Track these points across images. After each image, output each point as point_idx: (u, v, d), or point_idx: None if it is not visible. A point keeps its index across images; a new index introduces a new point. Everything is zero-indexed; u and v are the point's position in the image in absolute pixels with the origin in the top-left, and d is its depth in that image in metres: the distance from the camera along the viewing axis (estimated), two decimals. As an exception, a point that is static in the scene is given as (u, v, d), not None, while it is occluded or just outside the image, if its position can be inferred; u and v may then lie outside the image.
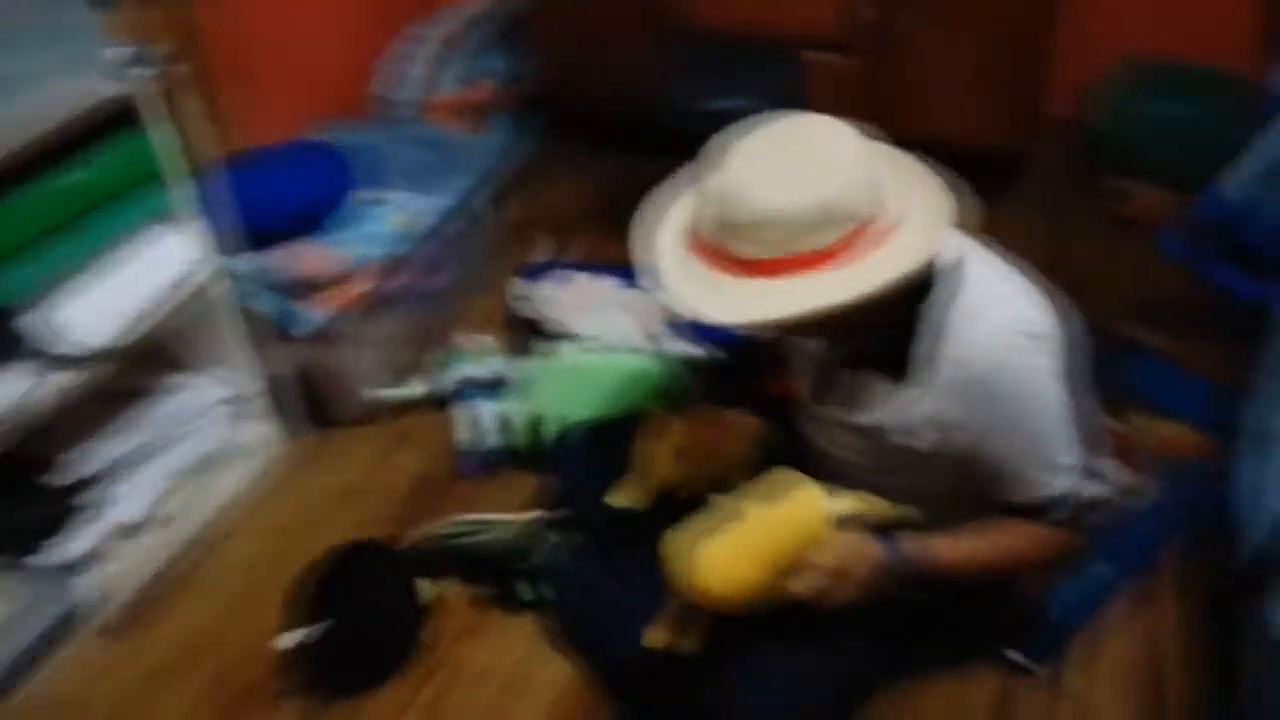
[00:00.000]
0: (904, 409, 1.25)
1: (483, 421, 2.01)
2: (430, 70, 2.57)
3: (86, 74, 1.53)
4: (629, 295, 2.07)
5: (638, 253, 1.26)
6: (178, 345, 1.95)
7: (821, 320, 1.10)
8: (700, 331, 2.01)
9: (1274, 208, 1.85)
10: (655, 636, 1.35)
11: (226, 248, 1.84)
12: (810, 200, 1.07)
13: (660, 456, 1.51)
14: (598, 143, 2.92)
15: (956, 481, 1.28)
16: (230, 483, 1.97)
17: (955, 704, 1.51)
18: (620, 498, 1.52)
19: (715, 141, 1.22)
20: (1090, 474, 1.23)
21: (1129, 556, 1.66)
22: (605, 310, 2.02)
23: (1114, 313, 2.18)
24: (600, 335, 1.95)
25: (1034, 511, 1.24)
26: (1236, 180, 1.82)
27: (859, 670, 1.39)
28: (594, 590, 1.60)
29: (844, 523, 1.24)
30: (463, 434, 1.99)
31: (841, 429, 1.38)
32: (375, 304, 2.02)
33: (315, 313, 1.88)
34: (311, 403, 2.08)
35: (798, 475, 1.25)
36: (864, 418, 1.32)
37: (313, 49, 2.42)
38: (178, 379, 1.97)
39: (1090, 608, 1.59)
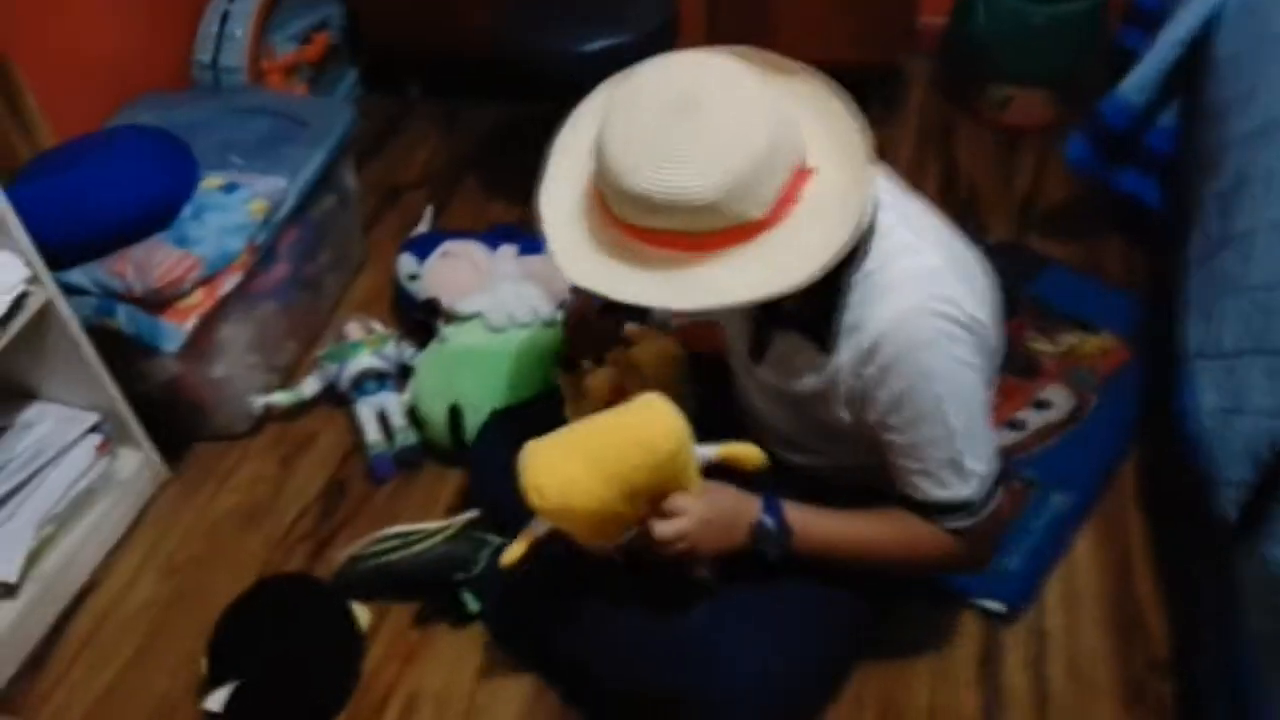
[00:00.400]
0: (821, 378, 1.18)
1: (391, 417, 1.83)
2: (254, 29, 2.29)
3: None
4: (530, 262, 1.91)
5: (540, 223, 1.13)
6: (27, 375, 1.70)
7: None
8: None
9: (1172, 108, 1.85)
10: (510, 554, 1.25)
11: (62, 262, 1.60)
12: (724, 171, 0.97)
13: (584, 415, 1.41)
14: (457, 92, 2.70)
15: (873, 455, 1.21)
16: (112, 521, 1.75)
17: (942, 659, 1.48)
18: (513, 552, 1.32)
19: (602, 90, 1.16)
20: (997, 484, 1.17)
21: (1083, 481, 1.66)
22: (506, 284, 1.85)
23: (1017, 227, 2.17)
24: (508, 313, 1.78)
25: (931, 512, 1.16)
26: (1137, 84, 1.80)
27: (835, 631, 1.34)
28: (528, 591, 1.48)
29: (704, 463, 1.18)
30: (370, 433, 1.82)
31: (766, 387, 1.31)
32: (246, 302, 1.80)
33: (180, 323, 1.64)
34: (192, 419, 1.86)
35: (658, 395, 1.16)
36: (788, 383, 1.25)
37: (120, 20, 2.12)
38: (34, 410, 1.72)
39: (1056, 541, 1.58)
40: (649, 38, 2.01)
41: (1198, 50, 1.72)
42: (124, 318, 1.63)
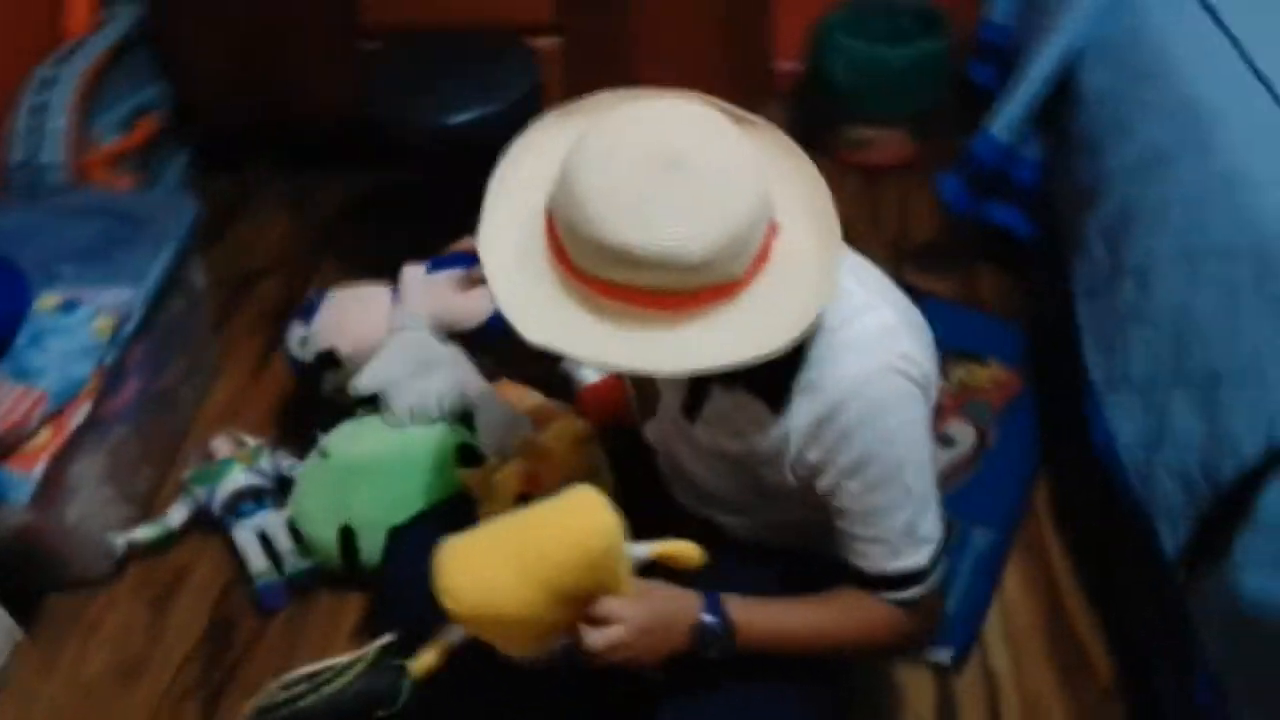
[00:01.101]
0: (769, 441, 1.11)
1: (275, 539, 1.66)
2: (75, 119, 2.08)
3: None
4: (436, 284, 1.78)
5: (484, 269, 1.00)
6: None
7: None
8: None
9: (1039, 144, 1.90)
10: (420, 663, 1.16)
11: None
12: (720, 228, 0.90)
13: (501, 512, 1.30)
14: (300, 166, 2.54)
15: (816, 519, 1.15)
16: (-39, 707, 1.51)
17: (903, 716, 1.44)
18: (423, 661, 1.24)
19: (543, 127, 1.06)
20: (943, 550, 1.13)
21: (1001, 515, 1.66)
22: (409, 357, 1.70)
23: (891, 264, 2.19)
24: (409, 405, 1.64)
25: (883, 585, 1.11)
26: (1006, 124, 1.84)
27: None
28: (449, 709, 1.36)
29: (637, 563, 1.09)
30: (254, 561, 1.64)
31: (702, 448, 1.22)
32: (96, 431, 1.60)
33: (28, 470, 1.44)
34: (43, 570, 1.64)
35: (587, 487, 1.07)
36: (728, 443, 1.17)
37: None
38: None
39: (986, 580, 1.58)
40: (515, 106, 1.93)
41: (1062, 86, 1.77)
42: (-42, 472, 1.41)
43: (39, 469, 1.45)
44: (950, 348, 1.96)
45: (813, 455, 1.07)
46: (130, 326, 1.63)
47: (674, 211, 0.89)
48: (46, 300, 1.57)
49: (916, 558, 1.09)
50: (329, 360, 1.72)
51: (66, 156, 2.05)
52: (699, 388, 1.18)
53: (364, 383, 1.69)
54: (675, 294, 0.93)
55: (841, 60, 2.31)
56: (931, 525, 1.10)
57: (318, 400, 1.80)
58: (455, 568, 1.04)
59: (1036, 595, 1.59)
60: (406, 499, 1.57)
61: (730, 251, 0.91)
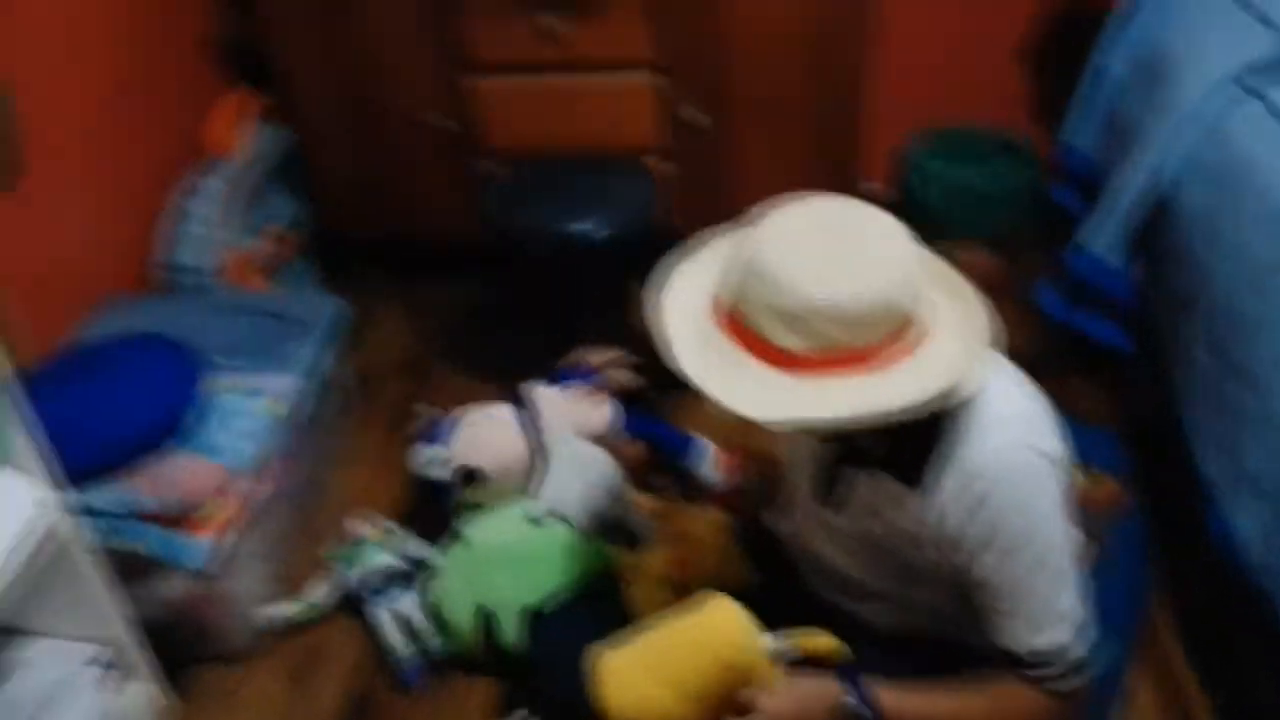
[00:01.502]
0: (909, 517, 1.18)
1: (413, 618, 1.74)
2: (215, 227, 2.26)
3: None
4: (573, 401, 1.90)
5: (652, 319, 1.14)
6: (24, 604, 1.54)
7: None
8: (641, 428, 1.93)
9: (1133, 260, 2.01)
10: None
11: (75, 481, 1.49)
12: (866, 295, 1.01)
13: (647, 595, 1.44)
14: (413, 276, 2.70)
15: (956, 602, 1.22)
16: (120, 763, 1.58)
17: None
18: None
19: (715, 240, 1.19)
20: (1085, 632, 1.18)
21: (1122, 624, 1.69)
22: (563, 464, 1.81)
23: (985, 373, 2.28)
24: (564, 502, 1.74)
25: (1027, 663, 1.16)
26: (1103, 240, 1.95)
27: None
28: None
29: (777, 657, 1.19)
30: (392, 637, 1.72)
31: (839, 532, 1.30)
32: (258, 509, 1.71)
33: (203, 537, 1.55)
34: (190, 641, 1.72)
35: (722, 596, 1.21)
36: (865, 524, 1.24)
37: (80, 226, 2.03)
38: (29, 647, 1.56)
39: (1115, 691, 1.61)
40: (633, 223, 2.09)
41: (1157, 203, 1.89)
42: (145, 538, 1.52)
43: (211, 537, 1.55)
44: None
45: (951, 528, 1.14)
46: (298, 410, 1.75)
47: (830, 270, 1.02)
48: (222, 384, 1.69)
49: (1055, 634, 1.14)
50: (470, 478, 1.82)
51: (210, 261, 2.22)
52: (832, 472, 1.26)
53: (543, 507, 1.78)
54: (810, 357, 1.03)
55: (928, 182, 2.46)
56: (1070, 603, 1.15)
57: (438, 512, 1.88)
58: (615, 684, 1.19)
59: (1164, 704, 1.62)
60: (544, 583, 1.65)
61: (871, 315, 1.02)
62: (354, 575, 1.77)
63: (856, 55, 2.22)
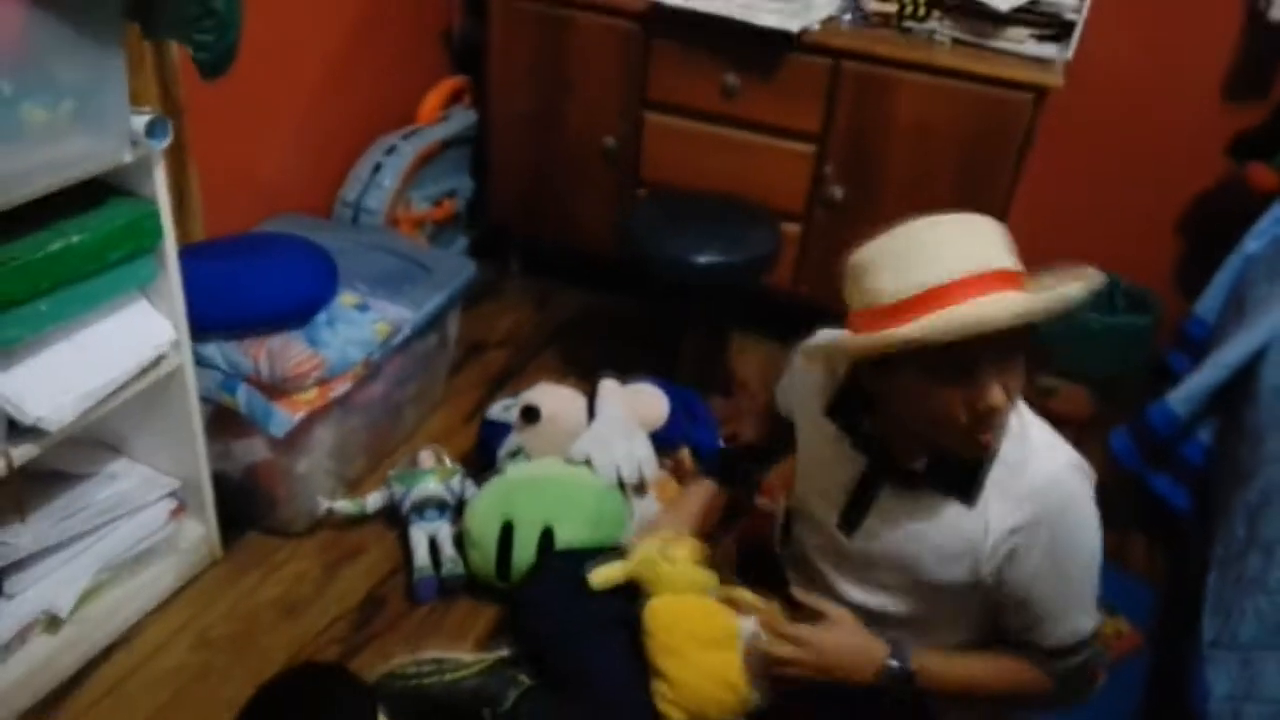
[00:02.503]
0: (951, 532, 1.26)
1: (442, 545, 1.93)
2: (401, 183, 2.56)
3: (104, 135, 1.46)
4: (634, 395, 2.10)
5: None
6: (128, 428, 1.82)
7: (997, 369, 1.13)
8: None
9: (1208, 425, 2.02)
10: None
11: (203, 335, 1.76)
12: (976, 224, 1.17)
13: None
14: (553, 274, 2.95)
15: (975, 616, 1.34)
16: (163, 583, 1.82)
17: None
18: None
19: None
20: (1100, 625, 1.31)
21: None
22: (617, 435, 1.98)
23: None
24: (616, 466, 1.93)
25: (1056, 654, 1.28)
26: (1184, 397, 1.98)
27: None
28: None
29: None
30: (420, 556, 1.90)
31: (860, 562, 1.37)
32: (342, 411, 1.94)
33: (292, 413, 1.78)
34: (257, 508, 1.96)
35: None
36: (898, 544, 1.31)
37: (287, 144, 2.39)
38: (119, 464, 1.83)
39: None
40: (758, 260, 2.25)
41: (1244, 377, 1.91)
42: (243, 397, 1.77)
43: (299, 415, 1.78)
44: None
45: (998, 544, 1.23)
46: (399, 338, 1.98)
47: (938, 229, 1.17)
48: (347, 298, 1.95)
49: (1086, 628, 1.28)
50: (530, 414, 2.02)
51: (385, 207, 2.52)
52: (864, 499, 1.34)
53: (578, 450, 1.96)
54: (999, 274, 1.13)
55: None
56: (1095, 599, 1.29)
57: (492, 460, 2.09)
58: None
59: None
60: (563, 505, 1.84)
61: (990, 252, 1.15)
62: (408, 496, 1.97)
63: (1005, 173, 2.32)
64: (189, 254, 1.85)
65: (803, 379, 1.44)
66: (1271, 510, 1.58)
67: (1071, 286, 1.13)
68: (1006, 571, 1.25)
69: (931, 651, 1.33)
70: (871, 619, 1.39)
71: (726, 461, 1.78)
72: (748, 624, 1.43)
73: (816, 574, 1.46)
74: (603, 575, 1.55)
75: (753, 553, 1.69)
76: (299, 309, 1.83)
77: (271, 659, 1.73)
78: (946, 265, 1.12)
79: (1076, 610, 1.27)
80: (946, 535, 1.27)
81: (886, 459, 1.31)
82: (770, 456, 1.72)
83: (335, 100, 2.49)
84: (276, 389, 1.77)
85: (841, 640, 1.32)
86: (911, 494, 1.29)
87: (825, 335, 1.34)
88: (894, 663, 1.30)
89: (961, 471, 1.24)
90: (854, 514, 1.35)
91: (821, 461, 1.41)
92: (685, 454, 2.12)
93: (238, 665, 1.72)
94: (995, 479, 1.23)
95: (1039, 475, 1.22)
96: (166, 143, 1.51)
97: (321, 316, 1.87)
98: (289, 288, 1.83)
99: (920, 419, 1.20)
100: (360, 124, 2.59)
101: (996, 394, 1.13)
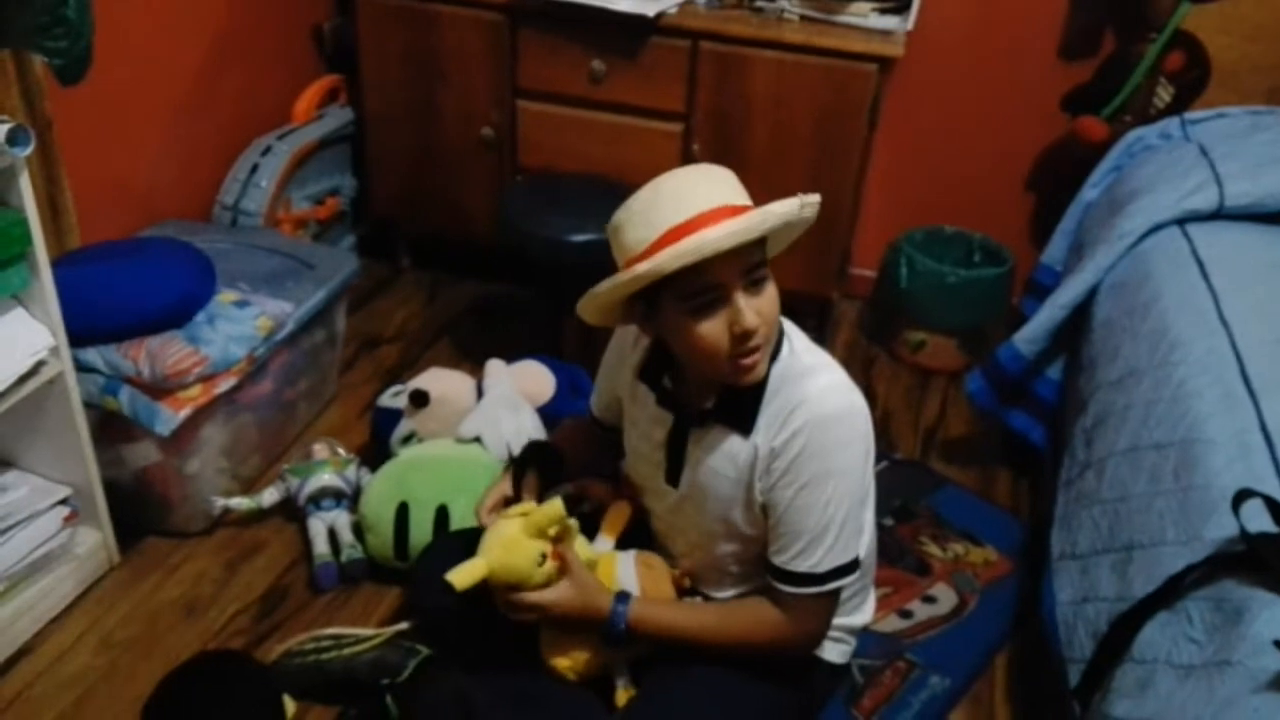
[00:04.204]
0: (741, 461, 1.36)
1: (340, 533, 1.97)
2: (279, 184, 2.58)
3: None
4: (520, 371, 2.17)
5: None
6: (14, 437, 1.83)
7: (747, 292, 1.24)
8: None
9: (1056, 362, 2.18)
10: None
11: (82, 341, 1.77)
12: (708, 171, 1.29)
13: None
14: (443, 266, 3.00)
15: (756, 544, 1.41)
16: (62, 591, 1.83)
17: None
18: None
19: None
20: (845, 575, 1.35)
21: (959, 667, 1.84)
22: (504, 410, 2.04)
23: (921, 449, 2.46)
24: (506, 443, 1.99)
25: (785, 576, 1.34)
26: (1027, 337, 2.13)
27: None
28: (448, 702, 1.60)
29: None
30: (319, 545, 1.95)
31: (684, 509, 1.48)
32: (230, 409, 1.97)
33: (176, 411, 1.81)
34: (152, 512, 1.98)
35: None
36: (707, 483, 1.41)
37: (161, 151, 2.39)
38: (9, 475, 1.84)
39: (929, 718, 1.75)
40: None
41: (1080, 315, 2.07)
42: (126, 398, 1.79)
43: (184, 413, 1.81)
44: (956, 527, 2.19)
45: (767, 460, 1.33)
46: (282, 333, 2.02)
47: (679, 178, 1.28)
48: (227, 295, 1.98)
49: (814, 559, 1.32)
50: (419, 398, 2.07)
51: (264, 209, 2.54)
52: (679, 450, 1.44)
53: (467, 428, 2.02)
54: (733, 207, 1.24)
55: (911, 272, 2.66)
56: (842, 547, 1.33)
57: (385, 448, 2.12)
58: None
59: (972, 738, 1.76)
60: (457, 483, 1.89)
61: (728, 192, 1.27)
62: (304, 488, 2.01)
63: (859, 140, 2.45)
64: (64, 262, 1.87)
65: (619, 358, 1.55)
66: (1103, 430, 1.73)
67: (780, 203, 1.24)
68: (769, 492, 1.34)
69: (652, 602, 1.43)
70: (716, 569, 1.50)
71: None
72: (626, 563, 1.52)
73: (667, 540, 1.57)
74: (462, 576, 1.47)
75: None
76: (176, 309, 1.86)
77: (177, 656, 1.75)
78: (680, 207, 1.24)
79: (824, 540, 1.31)
80: (733, 466, 1.37)
81: (687, 407, 1.41)
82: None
83: (208, 104, 2.49)
84: (159, 388, 1.80)
85: (567, 599, 1.39)
86: (708, 435, 1.39)
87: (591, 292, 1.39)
88: (618, 609, 1.38)
89: (742, 405, 1.35)
90: (673, 467, 1.46)
91: (643, 430, 1.51)
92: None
93: (143, 665, 1.75)
94: (766, 405, 1.33)
95: (800, 396, 1.30)
96: (28, 151, 1.52)
97: (201, 316, 1.90)
98: (164, 288, 1.86)
99: (691, 354, 1.30)
100: (235, 127, 2.60)
101: (748, 316, 1.24)
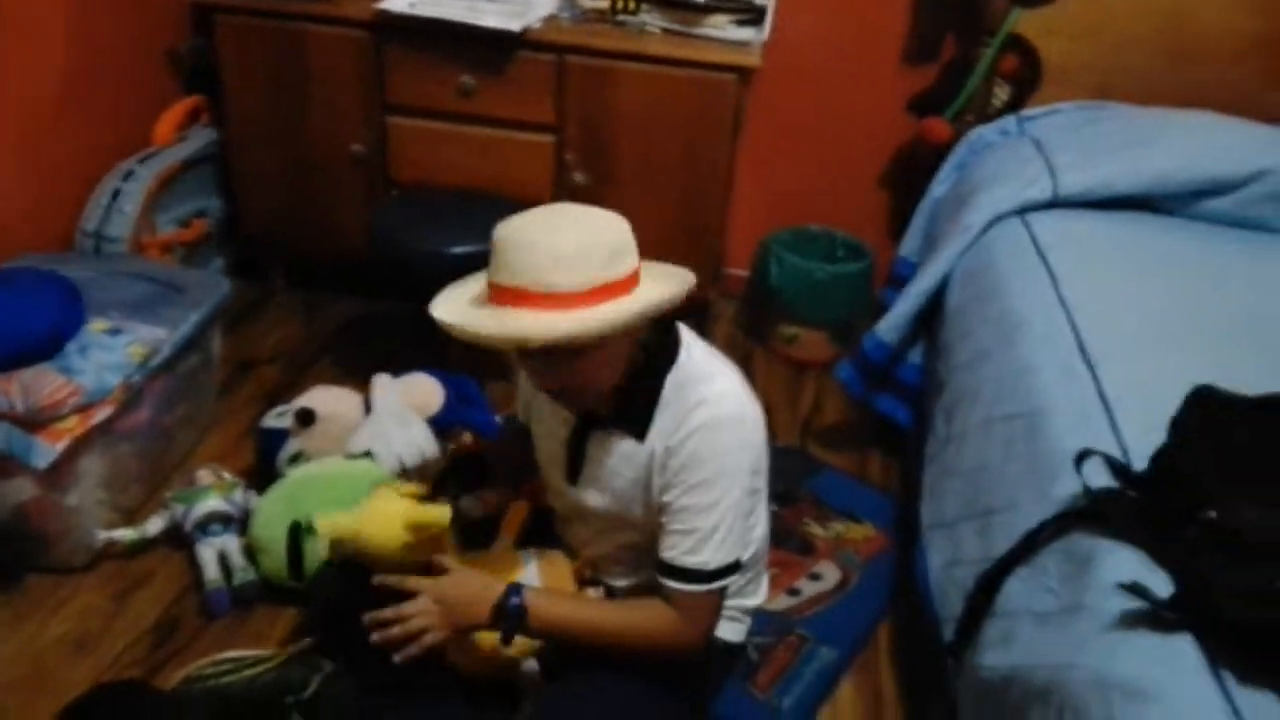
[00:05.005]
0: (638, 464, 1.43)
1: (230, 557, 1.96)
2: (143, 208, 2.53)
3: None
4: (409, 384, 2.18)
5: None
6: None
7: (561, 357, 1.29)
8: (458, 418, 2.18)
9: (917, 348, 2.32)
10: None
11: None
12: (570, 239, 1.27)
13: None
14: (317, 285, 2.98)
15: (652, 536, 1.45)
16: (-63, 638, 1.76)
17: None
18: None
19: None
20: (728, 575, 1.40)
21: (847, 638, 1.96)
22: (391, 422, 2.05)
23: (800, 437, 2.58)
24: (397, 455, 1.99)
25: (675, 573, 1.39)
26: (889, 326, 2.27)
27: None
28: (355, 714, 1.61)
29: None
30: (209, 571, 1.93)
31: (587, 508, 1.53)
32: (108, 439, 1.93)
33: (53, 443, 1.77)
34: (30, 549, 1.92)
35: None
36: (608, 485, 1.48)
37: (14, 181, 2.31)
38: None
39: (823, 685, 1.86)
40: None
41: (935, 302, 2.22)
42: (1, 434, 1.73)
43: (62, 444, 1.77)
44: (835, 508, 2.31)
45: (660, 461, 1.39)
46: (157, 360, 1.99)
47: (545, 227, 1.29)
48: (98, 324, 1.94)
49: (706, 561, 1.38)
50: (305, 416, 2.07)
51: (129, 234, 2.48)
52: (578, 445, 1.50)
53: (357, 443, 2.03)
54: (534, 294, 1.25)
55: (780, 270, 2.79)
56: (729, 547, 1.40)
57: (272, 469, 2.12)
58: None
59: (862, 702, 1.87)
60: (349, 498, 1.78)
61: (575, 257, 1.26)
62: (190, 514, 1.98)
63: (723, 148, 2.56)
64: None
65: None
66: (960, 408, 1.87)
67: (562, 319, 1.25)
68: (663, 491, 1.40)
69: (548, 592, 1.48)
70: (613, 559, 1.57)
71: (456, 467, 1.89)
72: (528, 559, 1.57)
73: (567, 532, 1.63)
74: (331, 528, 1.54)
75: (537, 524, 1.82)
76: (46, 339, 1.82)
77: (69, 692, 1.69)
78: (517, 266, 1.26)
79: (713, 538, 1.37)
80: (630, 468, 1.44)
81: (585, 409, 1.46)
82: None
83: (62, 131, 2.42)
84: (34, 421, 1.76)
85: (458, 583, 1.41)
86: (608, 438, 1.46)
87: (459, 285, 1.45)
88: (511, 599, 1.39)
89: (635, 410, 1.41)
90: (574, 466, 1.52)
91: (548, 429, 1.56)
92: (466, 437, 2.23)
93: (35, 704, 1.70)
94: (661, 410, 1.40)
95: (695, 400, 1.37)
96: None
97: (72, 345, 1.86)
98: (32, 319, 1.82)
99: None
100: (93, 152, 2.52)
101: (540, 379, 1.37)
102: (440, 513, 1.44)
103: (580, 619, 1.44)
